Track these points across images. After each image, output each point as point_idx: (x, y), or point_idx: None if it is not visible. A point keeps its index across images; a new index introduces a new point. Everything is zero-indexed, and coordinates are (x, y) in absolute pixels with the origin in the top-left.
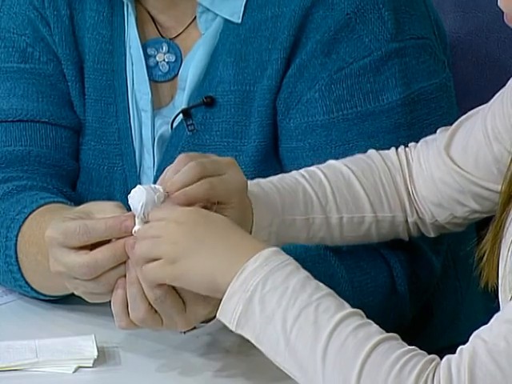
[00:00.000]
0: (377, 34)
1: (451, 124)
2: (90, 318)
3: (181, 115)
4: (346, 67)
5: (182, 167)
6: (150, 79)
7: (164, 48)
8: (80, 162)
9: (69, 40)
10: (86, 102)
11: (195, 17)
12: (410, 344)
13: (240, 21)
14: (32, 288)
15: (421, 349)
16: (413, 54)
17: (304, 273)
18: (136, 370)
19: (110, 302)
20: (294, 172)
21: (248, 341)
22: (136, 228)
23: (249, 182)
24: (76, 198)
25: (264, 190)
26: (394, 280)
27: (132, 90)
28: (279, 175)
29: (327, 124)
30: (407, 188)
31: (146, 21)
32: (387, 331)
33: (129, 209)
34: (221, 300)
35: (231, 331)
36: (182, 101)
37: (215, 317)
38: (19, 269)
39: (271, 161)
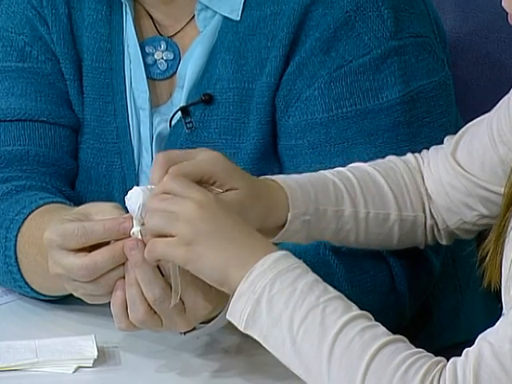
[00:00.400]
0: (376, 32)
1: (450, 122)
2: (90, 318)
3: (179, 113)
4: (345, 65)
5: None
6: (148, 77)
7: (162, 46)
8: (79, 161)
9: (67, 39)
10: (84, 100)
11: (193, 15)
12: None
13: (239, 18)
14: (32, 288)
15: (420, 348)
16: (412, 52)
17: (313, 276)
18: (136, 370)
19: (109, 302)
20: (320, 171)
21: (247, 341)
22: (134, 230)
23: (279, 175)
24: (75, 197)
25: (297, 181)
26: (394, 279)
27: (130, 89)
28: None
29: (326, 122)
30: (426, 189)
31: (144, 19)
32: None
33: (127, 209)
34: (221, 307)
35: (231, 332)
36: (180, 98)
37: (215, 317)
38: (19, 269)
39: (270, 159)
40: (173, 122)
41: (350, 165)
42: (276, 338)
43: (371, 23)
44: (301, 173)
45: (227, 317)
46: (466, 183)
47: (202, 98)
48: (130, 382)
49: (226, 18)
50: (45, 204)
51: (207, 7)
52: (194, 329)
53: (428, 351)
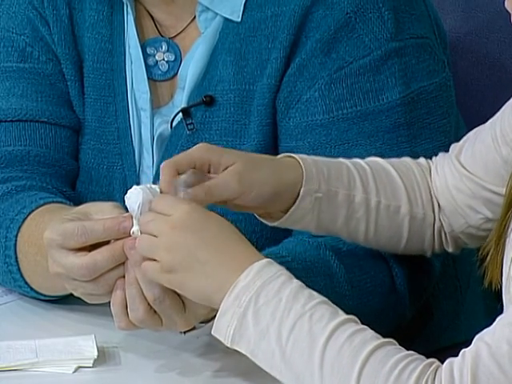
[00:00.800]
0: (377, 34)
1: (451, 123)
2: (90, 318)
3: (180, 114)
4: (345, 66)
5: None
6: (149, 78)
7: (163, 47)
8: (79, 162)
9: (68, 39)
10: (85, 101)
11: (194, 16)
12: (409, 344)
13: (240, 20)
14: (31, 288)
15: (421, 348)
16: (413, 53)
17: (296, 282)
18: (136, 370)
19: (109, 302)
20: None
21: None
22: (134, 229)
23: (294, 154)
24: (75, 198)
25: (313, 159)
26: (394, 279)
27: (131, 90)
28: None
29: (327, 123)
30: (434, 192)
31: (145, 20)
32: (387, 330)
33: (127, 208)
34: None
35: None
36: (181, 100)
37: (215, 316)
38: (19, 269)
39: None
40: (174, 124)
41: (366, 158)
42: (264, 351)
43: (372, 24)
44: None
45: (212, 333)
46: (470, 185)
47: (203, 100)
48: (130, 381)
49: (226, 19)
50: (45, 204)
51: (208, 8)
52: (193, 328)
53: (428, 351)
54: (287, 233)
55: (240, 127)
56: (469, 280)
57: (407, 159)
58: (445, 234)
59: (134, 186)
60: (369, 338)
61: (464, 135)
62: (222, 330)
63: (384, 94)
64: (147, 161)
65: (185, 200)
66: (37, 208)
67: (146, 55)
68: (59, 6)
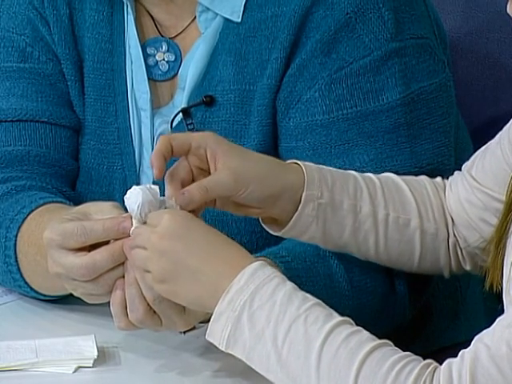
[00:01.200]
0: (377, 34)
1: (451, 124)
2: (90, 318)
3: (180, 114)
4: (345, 67)
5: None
6: (149, 78)
7: (164, 47)
8: (80, 162)
9: (68, 39)
10: (85, 101)
11: (195, 16)
12: (409, 344)
13: (240, 20)
14: (31, 288)
15: (420, 348)
16: (413, 53)
17: (290, 284)
18: (136, 370)
19: (109, 302)
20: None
21: None
22: (133, 229)
23: (298, 161)
24: (76, 198)
25: (318, 166)
26: (393, 279)
27: (131, 90)
28: None
29: (327, 123)
30: (448, 208)
31: (145, 20)
32: (386, 331)
33: (127, 208)
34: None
35: None
36: (181, 100)
37: None
38: (18, 269)
39: None
40: (174, 124)
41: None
42: (260, 354)
43: (372, 25)
44: None
45: (207, 337)
46: (482, 197)
47: (203, 100)
48: (130, 382)
49: (226, 19)
50: (45, 204)
51: (208, 9)
52: (193, 328)
53: (428, 351)
54: None
55: (240, 127)
56: (469, 280)
57: (423, 177)
58: (461, 250)
59: (134, 187)
60: (365, 339)
61: (464, 135)
62: (217, 334)
63: (384, 95)
64: (147, 161)
65: (167, 209)
66: (37, 208)
67: (146, 55)
68: (59, 6)
